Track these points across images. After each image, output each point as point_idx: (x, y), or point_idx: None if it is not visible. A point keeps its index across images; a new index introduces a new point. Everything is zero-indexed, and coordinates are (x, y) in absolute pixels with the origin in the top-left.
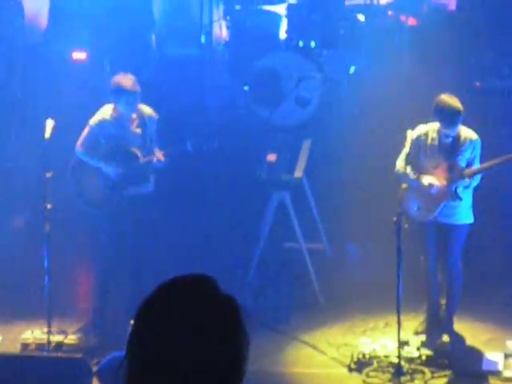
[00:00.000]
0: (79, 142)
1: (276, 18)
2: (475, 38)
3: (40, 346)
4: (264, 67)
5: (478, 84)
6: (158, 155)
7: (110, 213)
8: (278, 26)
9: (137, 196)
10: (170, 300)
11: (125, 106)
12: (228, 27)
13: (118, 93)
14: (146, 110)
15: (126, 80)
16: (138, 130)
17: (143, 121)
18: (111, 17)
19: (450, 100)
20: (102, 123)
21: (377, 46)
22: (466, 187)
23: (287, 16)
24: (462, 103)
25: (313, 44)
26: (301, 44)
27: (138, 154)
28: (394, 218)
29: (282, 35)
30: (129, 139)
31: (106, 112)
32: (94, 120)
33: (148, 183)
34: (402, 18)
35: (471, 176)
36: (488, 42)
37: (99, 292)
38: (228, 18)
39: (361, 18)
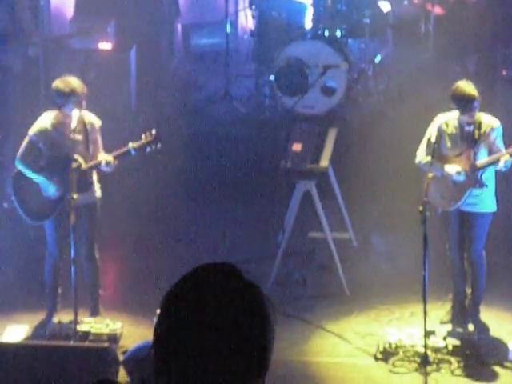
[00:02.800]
0: (19, 154)
1: (301, 7)
2: (501, 26)
3: (66, 336)
4: (289, 56)
5: (504, 72)
6: (108, 158)
7: (54, 224)
8: (303, 15)
9: (82, 205)
10: (194, 289)
11: (73, 108)
12: (253, 17)
13: (69, 95)
14: (88, 116)
15: (74, 82)
16: (79, 137)
17: (84, 127)
18: (137, 7)
19: (466, 87)
20: (41, 132)
21: (402, 35)
22: (488, 174)
23: (313, 5)
24: (488, 91)
25: (338, 33)
26: (326, 33)
27: (80, 160)
28: (420, 208)
29: (308, 24)
30: (70, 146)
31: (45, 121)
32: (33, 129)
33: (91, 192)
34: (428, 6)
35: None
36: None
37: (48, 294)
38: (253, 7)
39: (387, 6)
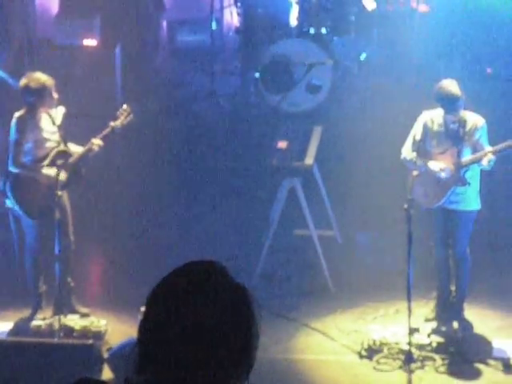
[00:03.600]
0: (14, 160)
1: (287, 4)
2: (486, 24)
3: (51, 332)
4: (275, 54)
5: (489, 70)
6: (98, 142)
7: (44, 220)
8: (288, 12)
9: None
10: (179, 286)
11: (50, 103)
12: (239, 14)
13: (43, 91)
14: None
15: (44, 78)
16: (53, 128)
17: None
18: (122, 3)
19: (449, 86)
20: (24, 132)
21: (388, 33)
22: (472, 172)
23: (298, 2)
24: (473, 89)
25: (324, 31)
26: (312, 31)
27: (67, 150)
28: (405, 205)
29: (293, 22)
30: (52, 138)
31: (22, 120)
32: (20, 132)
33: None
34: (413, 4)
35: (481, 158)
36: (499, 28)
37: (32, 289)
38: (239, 4)
39: (372, 4)
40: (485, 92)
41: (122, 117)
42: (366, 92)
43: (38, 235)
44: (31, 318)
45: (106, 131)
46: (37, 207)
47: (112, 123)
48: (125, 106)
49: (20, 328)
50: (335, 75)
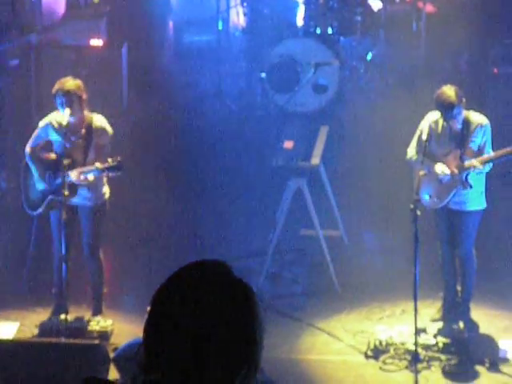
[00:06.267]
0: (28, 144)
1: (293, 4)
2: (493, 24)
3: (57, 333)
4: (281, 54)
5: (495, 70)
6: (74, 173)
7: (57, 220)
8: (295, 12)
9: (82, 207)
10: (184, 286)
11: (60, 108)
12: (245, 14)
13: (54, 96)
14: (98, 121)
15: (60, 82)
16: (79, 141)
17: (89, 132)
18: (129, 4)
19: (446, 93)
20: (47, 126)
21: (394, 33)
22: (478, 173)
23: (304, 3)
24: (479, 89)
25: (330, 31)
26: (318, 31)
27: (66, 167)
28: (411, 205)
29: (299, 22)
30: (68, 148)
31: (53, 117)
32: (42, 122)
33: (96, 193)
34: (420, 4)
35: (482, 164)
36: (506, 28)
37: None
38: (245, 4)
39: (378, 4)
40: (490, 92)
41: (108, 164)
42: (373, 92)
43: (56, 237)
44: (50, 318)
45: (87, 168)
46: None
47: (96, 164)
48: (118, 158)
49: (26, 328)
50: (342, 75)
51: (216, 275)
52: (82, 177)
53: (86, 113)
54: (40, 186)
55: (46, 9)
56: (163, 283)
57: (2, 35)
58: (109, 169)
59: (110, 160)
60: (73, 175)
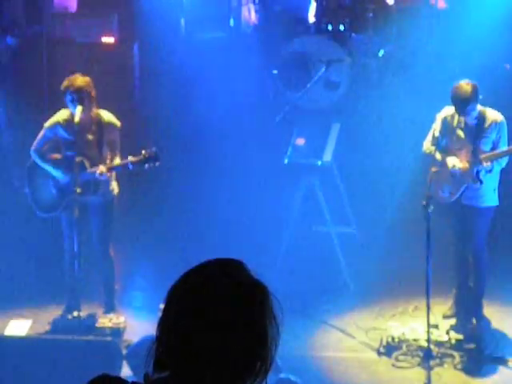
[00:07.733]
0: (33, 145)
1: (305, 1)
2: (505, 20)
3: (70, 330)
4: (293, 51)
5: (507, 66)
6: (101, 168)
7: (68, 217)
8: (306, 9)
9: (96, 204)
10: (199, 284)
11: (70, 105)
12: (257, 11)
13: (64, 94)
14: (106, 116)
15: (69, 79)
16: (91, 137)
17: (100, 128)
18: (140, 1)
19: (462, 88)
20: (55, 126)
21: (406, 29)
22: (489, 171)
23: (316, 0)
24: (493, 86)
25: (342, 27)
26: (330, 27)
27: (86, 163)
28: (423, 202)
29: (311, 19)
30: (81, 146)
31: (60, 115)
32: (48, 122)
33: (104, 190)
34: (432, 0)
35: (491, 160)
36: None
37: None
38: (256, 1)
39: (390, 0)
40: (503, 88)
41: (143, 156)
42: (384, 89)
43: (68, 235)
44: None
45: (119, 162)
46: None
47: (130, 157)
48: (153, 149)
49: (40, 325)
50: (353, 72)
51: (232, 274)
52: (111, 173)
53: (94, 109)
54: (59, 175)
55: (58, 6)
56: (177, 281)
57: (14, 32)
58: (146, 160)
59: (143, 152)
60: (99, 171)
